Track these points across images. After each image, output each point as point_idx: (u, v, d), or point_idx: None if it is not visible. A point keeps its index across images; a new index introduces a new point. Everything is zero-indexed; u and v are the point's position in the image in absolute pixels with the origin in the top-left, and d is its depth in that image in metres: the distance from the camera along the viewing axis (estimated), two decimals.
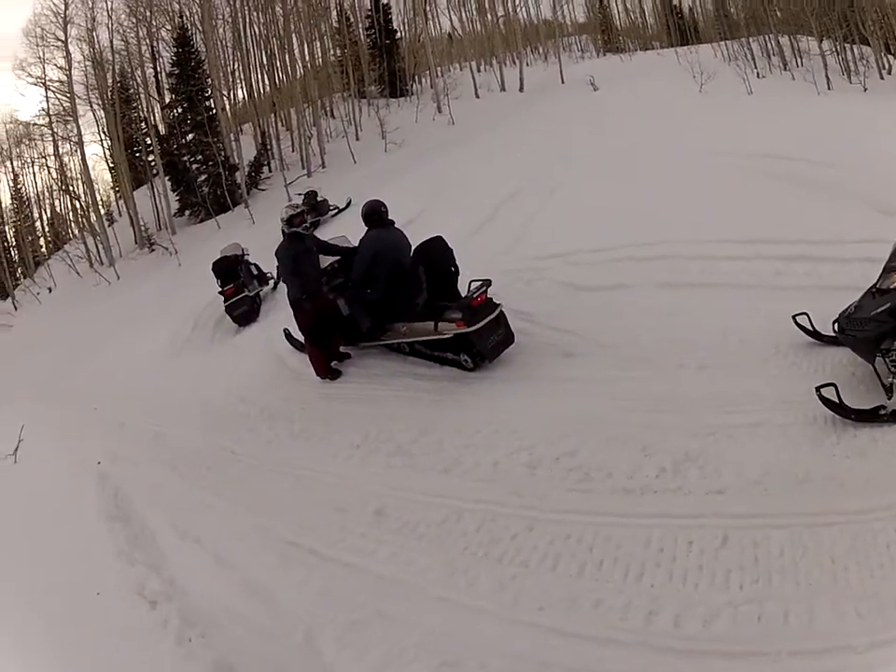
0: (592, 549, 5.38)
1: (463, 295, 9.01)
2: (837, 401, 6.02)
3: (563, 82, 36.10)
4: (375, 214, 9.73)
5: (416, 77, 42.97)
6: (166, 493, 8.41)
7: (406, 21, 44.77)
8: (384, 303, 9.63)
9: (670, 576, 4.94)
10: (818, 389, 6.05)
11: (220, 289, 15.27)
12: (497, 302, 8.88)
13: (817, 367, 7.04)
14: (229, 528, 7.19)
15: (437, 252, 9.23)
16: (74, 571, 7.31)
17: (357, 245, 10.34)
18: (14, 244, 44.43)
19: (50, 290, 36.30)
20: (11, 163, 43.55)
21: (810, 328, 7.47)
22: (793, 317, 7.50)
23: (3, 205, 44.04)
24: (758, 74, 25.98)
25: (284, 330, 11.82)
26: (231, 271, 15.51)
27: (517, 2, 45.38)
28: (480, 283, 8.83)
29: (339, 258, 10.64)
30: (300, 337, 10.83)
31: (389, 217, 9.83)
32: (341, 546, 6.34)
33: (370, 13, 42.41)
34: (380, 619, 5.33)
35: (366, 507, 6.76)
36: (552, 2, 47.21)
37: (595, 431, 6.79)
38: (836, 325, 6.73)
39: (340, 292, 10.42)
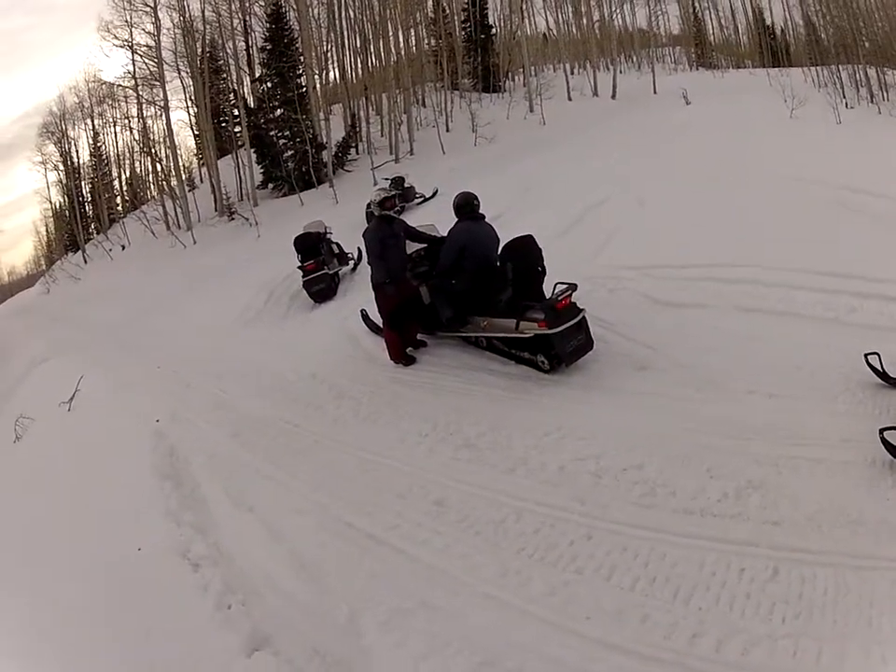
0: (647, 564, 5.37)
1: (547, 296, 8.96)
2: None
3: (655, 92, 36.19)
4: (467, 206, 9.69)
5: (509, 75, 42.98)
6: (224, 459, 8.54)
7: (502, 17, 44.77)
8: (467, 295, 9.63)
9: (718, 600, 4.93)
10: (881, 432, 5.99)
11: (300, 264, 15.35)
12: (581, 307, 8.81)
13: (882, 408, 6.91)
14: (284, 501, 7.26)
15: (526, 250, 9.21)
16: (117, 525, 7.50)
17: (443, 234, 10.39)
18: (90, 199, 45.03)
19: (123, 248, 37.69)
20: (92, 122, 44.31)
21: (880, 368, 7.34)
22: (865, 356, 7.38)
23: (81, 161, 44.71)
24: (846, 104, 25.61)
25: (361, 311, 11.94)
26: (313, 247, 15.61)
27: (613, 8, 44.96)
28: (566, 286, 8.77)
29: (425, 245, 10.68)
30: (377, 319, 10.90)
31: (480, 211, 9.79)
32: (396, 532, 6.37)
33: (466, 7, 42.82)
34: (426, 609, 5.37)
35: (427, 496, 6.80)
36: (647, 12, 47.01)
37: (662, 447, 6.78)
38: None
39: (423, 280, 10.44)
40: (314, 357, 11.47)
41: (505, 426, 7.78)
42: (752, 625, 4.68)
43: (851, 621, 4.57)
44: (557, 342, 8.56)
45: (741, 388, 7.65)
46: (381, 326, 10.71)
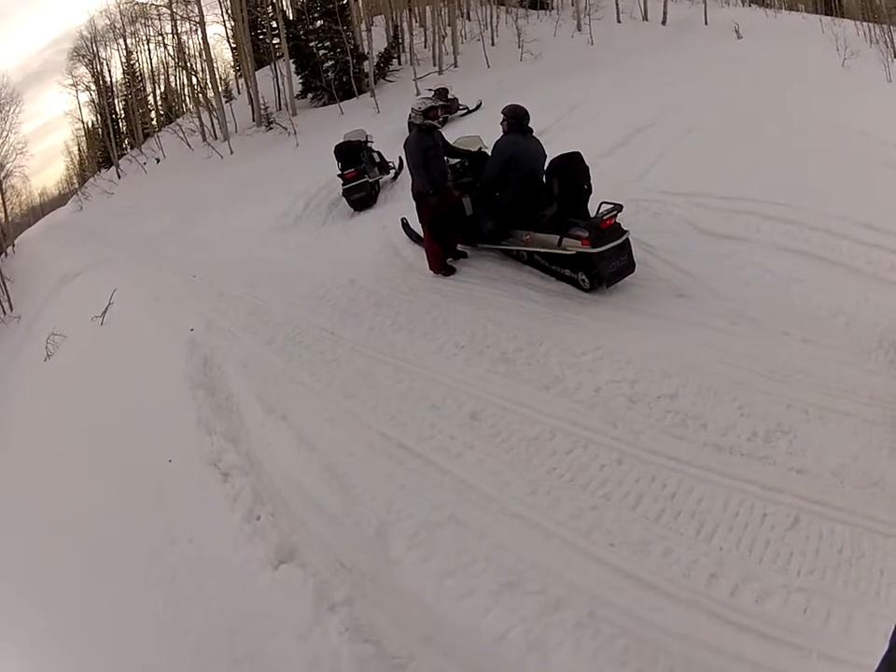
0: (673, 496, 5.43)
1: (592, 215, 8.89)
2: None
3: (706, 24, 35.37)
4: (516, 118, 9.55)
5: None
6: (258, 367, 8.63)
7: None
8: (510, 209, 9.56)
9: (739, 543, 4.99)
10: None
11: (340, 172, 15.29)
12: (626, 229, 8.75)
13: None
14: (318, 410, 7.35)
15: (574, 167, 9.04)
16: (150, 434, 7.65)
17: (484, 148, 10.42)
18: (123, 115, 45.22)
19: (158, 161, 37.95)
20: (125, 41, 44.39)
21: None
22: None
23: (114, 80, 45.01)
24: None
25: (402, 220, 11.94)
26: (354, 155, 15.47)
27: None
28: (611, 206, 8.69)
29: (467, 157, 10.60)
30: (418, 229, 10.88)
31: (529, 125, 9.67)
32: (429, 444, 6.46)
33: None
34: (454, 524, 5.45)
35: (461, 408, 6.88)
36: None
37: (696, 378, 6.81)
38: None
39: (466, 191, 10.34)
40: (352, 264, 11.51)
41: (542, 342, 7.83)
42: (769, 574, 4.74)
43: (862, 587, 4.61)
44: (599, 261, 8.53)
45: (776, 328, 7.64)
46: (421, 235, 10.69)
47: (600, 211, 8.69)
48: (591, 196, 9.14)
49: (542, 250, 9.29)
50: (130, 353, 10.17)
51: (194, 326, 10.23)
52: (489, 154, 10.06)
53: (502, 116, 9.72)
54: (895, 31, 28.99)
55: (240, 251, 14.81)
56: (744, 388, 6.63)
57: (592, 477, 5.76)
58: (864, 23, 31.76)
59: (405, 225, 11.87)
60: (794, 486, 5.41)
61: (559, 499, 5.55)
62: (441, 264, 10.30)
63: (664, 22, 37.19)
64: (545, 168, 9.29)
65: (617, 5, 38.46)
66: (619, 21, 37.83)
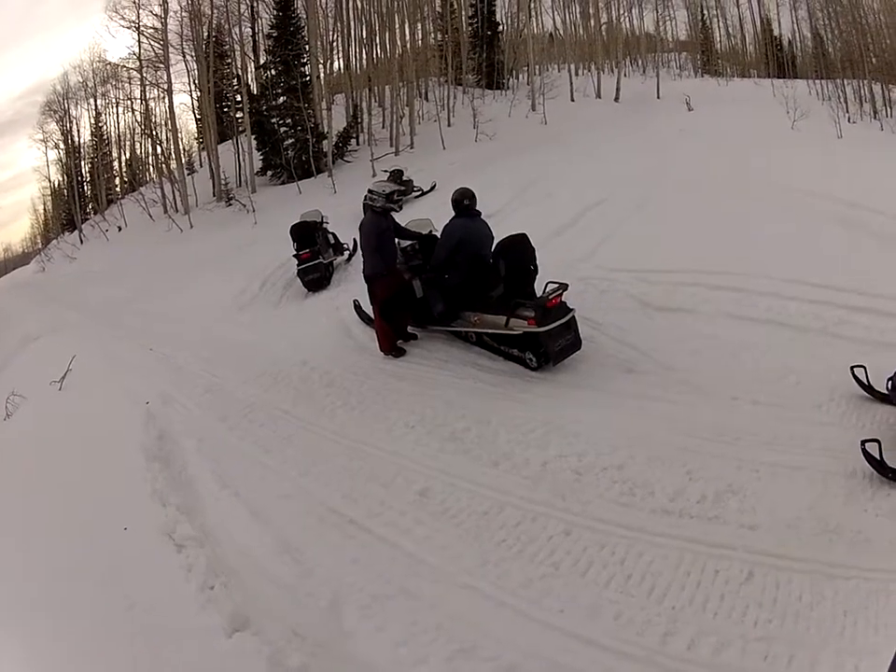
0: (623, 562, 5.48)
1: (538, 294, 9.11)
2: (878, 458, 6.08)
3: (658, 97, 36.08)
4: (464, 202, 9.76)
5: (514, 72, 42.98)
6: (213, 442, 8.57)
7: (510, 14, 44.70)
8: (459, 290, 9.72)
9: (692, 600, 5.03)
10: (862, 443, 6.12)
11: (296, 252, 15.40)
12: (571, 307, 8.97)
13: (865, 421, 7.09)
14: (271, 486, 7.33)
15: (520, 248, 9.33)
16: (105, 503, 7.48)
17: (435, 231, 10.62)
18: (89, 179, 45.13)
19: (120, 229, 37.48)
20: (95, 101, 44.29)
21: (865, 381, 7.50)
22: (851, 368, 7.55)
23: (82, 140, 44.82)
24: (849, 118, 25.81)
25: (354, 302, 12.04)
26: (309, 236, 15.62)
27: (622, 11, 44.97)
28: (557, 285, 8.93)
29: (419, 240, 10.80)
30: (369, 310, 10.94)
31: (476, 208, 9.86)
32: (380, 520, 6.45)
33: (474, 3, 42.40)
34: (406, 596, 5.44)
35: (411, 486, 6.88)
36: (655, 16, 46.98)
37: (644, 448, 6.91)
38: (890, 383, 6.79)
39: (417, 273, 10.53)
40: (305, 344, 11.58)
41: (491, 420, 7.89)
42: (725, 626, 4.78)
43: (825, 628, 4.67)
44: (546, 340, 8.71)
45: (726, 394, 7.83)
46: (373, 317, 10.76)
47: (546, 290, 8.95)
48: (538, 276, 9.41)
49: (491, 331, 9.47)
50: (87, 420, 9.96)
51: (150, 399, 10.13)
52: (437, 237, 10.33)
53: (451, 199, 9.94)
54: (848, 83, 29.79)
55: (197, 327, 14.85)
56: (692, 454, 6.76)
57: (540, 548, 5.80)
58: (817, 81, 32.54)
59: (357, 307, 12.00)
60: (747, 542, 5.51)
61: (509, 570, 5.58)
62: (392, 346, 10.39)
63: (616, 99, 37.75)
64: (492, 250, 9.52)
65: (571, 83, 39.04)
66: (573, 100, 38.22)
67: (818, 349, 8.52)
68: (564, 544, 5.79)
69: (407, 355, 10.28)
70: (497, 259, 9.30)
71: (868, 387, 7.48)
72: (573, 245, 12.48)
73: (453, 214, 9.90)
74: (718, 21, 50.76)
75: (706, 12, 50.47)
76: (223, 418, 9.28)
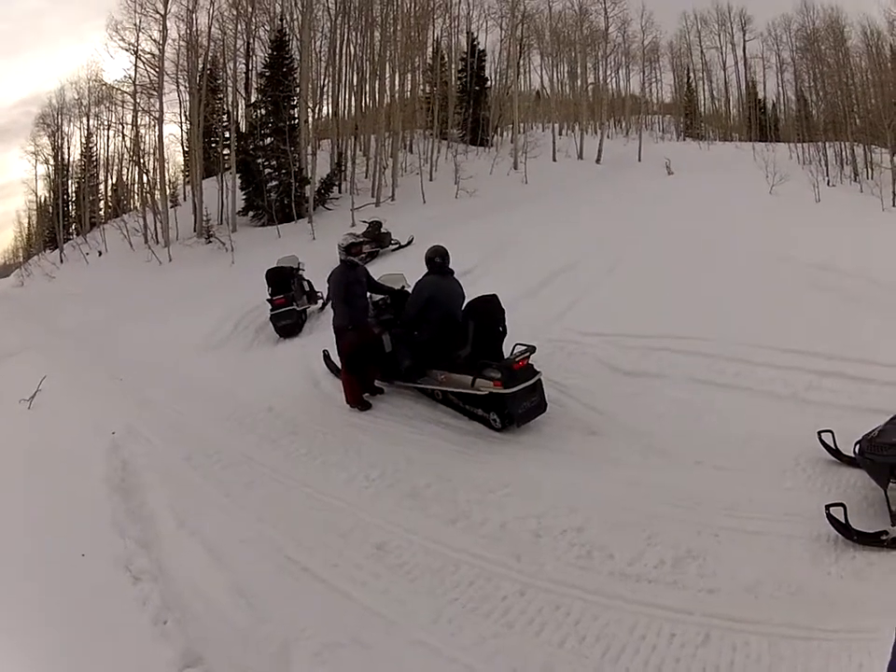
0: (577, 623, 5.43)
1: (506, 356, 9.19)
2: (843, 522, 6.09)
3: (640, 160, 36.81)
4: (437, 259, 9.84)
5: (498, 129, 43.33)
6: (174, 480, 8.52)
7: (498, 71, 45.16)
8: (427, 348, 9.75)
9: (646, 663, 4.98)
10: (827, 507, 6.13)
11: (270, 297, 15.47)
12: (538, 370, 9.01)
13: (832, 485, 7.11)
14: (229, 529, 7.27)
15: (489, 309, 9.39)
16: (63, 528, 7.42)
17: (407, 287, 10.66)
18: (74, 199, 45.26)
19: (100, 254, 38.06)
20: (87, 121, 44.67)
21: (833, 446, 7.54)
22: (818, 433, 7.58)
23: (72, 159, 45.19)
24: (828, 182, 26.23)
25: (323, 352, 12.01)
26: (284, 282, 15.70)
27: (609, 72, 45.58)
28: (525, 348, 9.02)
29: (391, 295, 10.85)
30: (338, 362, 10.90)
31: (449, 266, 9.94)
32: (335, 571, 6.40)
33: (464, 56, 43.11)
34: (357, 646, 5.38)
35: (368, 538, 6.84)
36: (641, 78, 47.59)
37: (605, 512, 6.89)
38: (857, 447, 6.79)
39: (386, 327, 10.56)
40: (273, 390, 11.57)
41: (452, 478, 7.88)
42: None
43: None
44: (510, 402, 8.76)
45: (689, 458, 7.86)
46: (340, 368, 10.74)
47: (514, 352, 9.06)
48: (506, 337, 9.47)
49: (457, 390, 9.49)
50: (53, 443, 9.97)
51: (116, 429, 10.11)
52: (409, 292, 10.35)
53: (424, 256, 10.02)
54: (830, 146, 30.16)
55: (168, 362, 14.90)
56: (653, 519, 6.74)
57: (495, 607, 5.75)
58: (799, 144, 32.93)
59: (326, 357, 11.99)
60: (704, 606, 5.48)
61: (462, 627, 5.53)
62: (358, 399, 10.39)
63: (598, 161, 38.44)
64: (462, 309, 9.58)
65: (554, 143, 39.69)
66: (555, 160, 38.99)
67: (785, 414, 8.57)
68: (518, 604, 5.74)
69: (373, 409, 10.29)
70: (467, 319, 9.34)
71: (835, 451, 7.53)
72: (544, 307, 12.63)
73: (426, 270, 9.94)
74: (703, 83, 51.52)
75: (692, 75, 51.19)
76: (187, 457, 9.25)
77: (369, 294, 10.74)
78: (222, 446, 9.51)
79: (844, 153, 32.06)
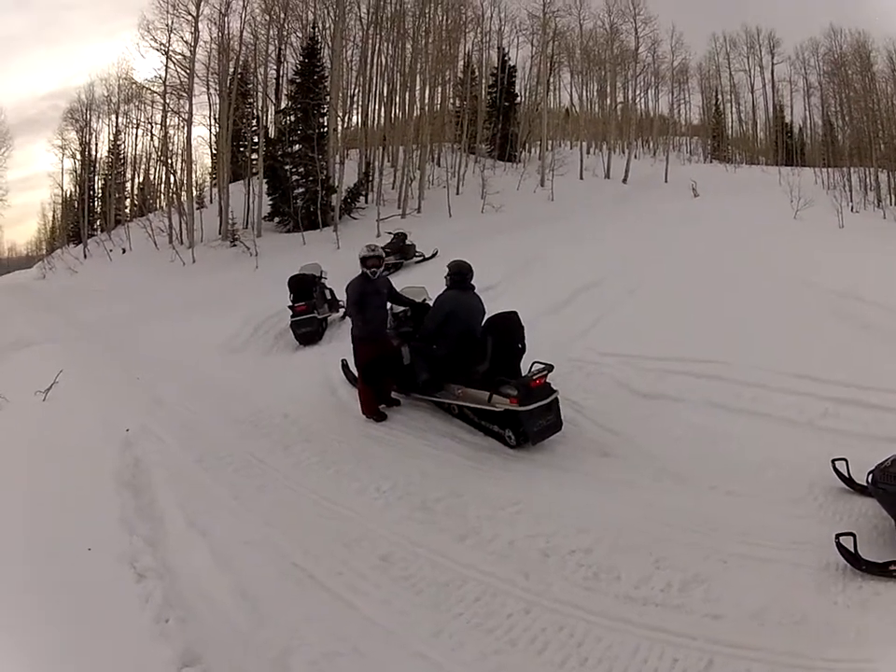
0: (581, 644, 5.39)
1: (524, 373, 9.13)
2: (853, 551, 6.03)
3: (666, 181, 36.79)
4: (459, 275, 9.85)
5: (526, 146, 43.38)
6: (185, 480, 8.53)
7: (528, 87, 45.33)
8: (446, 362, 9.73)
9: None
10: (837, 537, 6.07)
11: (291, 304, 15.54)
12: (555, 388, 8.98)
13: (843, 514, 7.04)
14: (237, 532, 7.25)
15: (509, 326, 9.35)
16: (71, 521, 7.40)
17: (428, 301, 10.67)
18: (100, 195, 45.72)
19: (124, 251, 38.64)
20: (116, 118, 45.25)
21: (846, 474, 7.47)
22: (832, 462, 7.52)
23: (99, 155, 45.87)
24: (852, 207, 26.16)
25: (342, 361, 12.04)
26: (307, 289, 15.78)
27: (638, 92, 45.63)
28: (542, 366, 8.98)
29: (412, 307, 10.86)
30: (356, 372, 10.85)
31: (471, 282, 9.93)
32: (340, 579, 6.37)
33: (495, 71, 43.51)
34: (357, 656, 5.36)
35: (375, 549, 6.81)
36: (670, 98, 47.68)
37: (614, 534, 6.83)
38: (870, 476, 6.73)
39: (406, 340, 10.55)
40: (290, 397, 11.59)
41: (464, 494, 7.84)
42: None
43: None
44: (526, 419, 8.70)
45: (702, 483, 7.78)
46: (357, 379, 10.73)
47: (532, 370, 9.00)
48: (525, 354, 9.42)
49: (473, 405, 9.45)
50: (65, 437, 9.93)
51: (130, 426, 10.15)
52: (430, 305, 10.38)
53: (447, 269, 10.02)
54: (855, 172, 30.05)
55: (187, 361, 15.03)
56: (662, 542, 6.68)
57: (499, 623, 5.71)
58: (824, 169, 32.81)
59: (345, 366, 11.98)
60: (709, 631, 5.41)
61: (463, 643, 5.49)
62: (374, 409, 10.37)
63: (625, 181, 38.47)
64: (482, 325, 9.58)
65: (582, 162, 39.91)
66: (581, 178, 39.26)
67: (800, 441, 8.47)
68: (522, 622, 5.70)
69: (388, 420, 10.27)
70: (486, 335, 9.29)
71: (848, 480, 7.45)
72: (567, 325, 12.60)
73: (447, 285, 9.95)
74: (731, 105, 51.55)
75: (720, 97, 51.15)
76: (199, 458, 9.26)
77: (390, 305, 10.78)
78: (235, 449, 9.53)
79: (868, 179, 32.01)
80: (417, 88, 38.32)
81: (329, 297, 16.69)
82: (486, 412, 9.22)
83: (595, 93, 49.98)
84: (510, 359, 9.28)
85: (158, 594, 6.10)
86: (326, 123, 34.17)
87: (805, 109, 48.96)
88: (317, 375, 12.62)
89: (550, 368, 9.01)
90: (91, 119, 46.28)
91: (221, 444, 9.75)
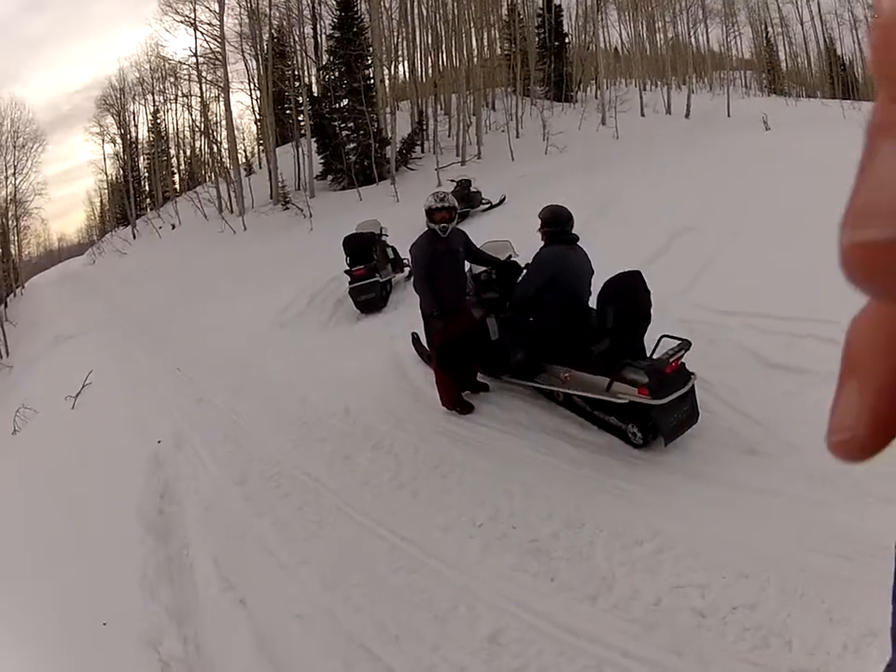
0: None
1: (647, 351, 7.04)
2: None
3: (729, 115, 37.48)
4: (557, 224, 7.88)
5: (581, 85, 43.96)
6: (222, 515, 7.30)
7: (576, 26, 46.17)
8: (546, 338, 7.73)
9: None
10: None
11: (348, 268, 13.99)
12: (691, 371, 6.92)
13: None
14: (286, 597, 5.79)
15: (634, 294, 7.17)
16: (84, 586, 6.40)
17: (515, 256, 8.88)
18: (146, 175, 48.14)
19: (173, 227, 40.16)
20: (153, 98, 47.38)
21: None
22: None
23: (140, 136, 47.99)
24: None
25: (412, 334, 10.28)
26: (365, 250, 14.17)
27: (689, 25, 45.06)
28: (678, 343, 6.90)
29: (496, 267, 8.84)
30: (430, 349, 8.95)
31: (573, 232, 7.98)
32: None
33: (540, 12, 44.26)
34: None
35: (476, 624, 5.05)
36: (721, 31, 48.16)
37: (777, 575, 5.04)
38: None
39: (491, 310, 8.61)
40: (351, 383, 10.01)
41: (584, 522, 6.02)
42: None
43: None
44: (659, 415, 6.67)
45: (871, 490, 5.79)
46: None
47: (660, 346, 6.90)
48: (650, 326, 7.34)
49: (584, 394, 7.48)
50: (91, 455, 9.31)
51: (162, 436, 9.44)
52: (519, 264, 8.53)
53: (539, 221, 8.04)
54: None
55: (232, 347, 13.93)
56: (828, 583, 4.94)
57: None
58: None
59: (416, 340, 10.16)
60: None
61: None
62: (455, 399, 8.54)
63: (687, 116, 38.79)
64: (591, 289, 7.77)
65: (641, 98, 39.90)
66: (643, 115, 39.40)
67: None
68: None
69: (475, 412, 8.41)
70: (604, 305, 7.14)
71: None
72: (667, 277, 10.37)
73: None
74: (783, 38, 51.57)
75: (771, 30, 51.14)
76: (240, 480, 7.93)
77: (468, 266, 8.83)
78: (285, 464, 8.11)
79: None
80: (463, 34, 38.14)
81: (391, 256, 15.16)
82: (602, 400, 7.17)
83: (644, 31, 50.66)
84: (632, 335, 7.17)
85: None
86: (371, 75, 34.06)
87: (854, 43, 48.55)
88: (383, 352, 11.02)
89: (686, 345, 6.91)
90: (126, 103, 47.58)
91: (268, 457, 8.39)
